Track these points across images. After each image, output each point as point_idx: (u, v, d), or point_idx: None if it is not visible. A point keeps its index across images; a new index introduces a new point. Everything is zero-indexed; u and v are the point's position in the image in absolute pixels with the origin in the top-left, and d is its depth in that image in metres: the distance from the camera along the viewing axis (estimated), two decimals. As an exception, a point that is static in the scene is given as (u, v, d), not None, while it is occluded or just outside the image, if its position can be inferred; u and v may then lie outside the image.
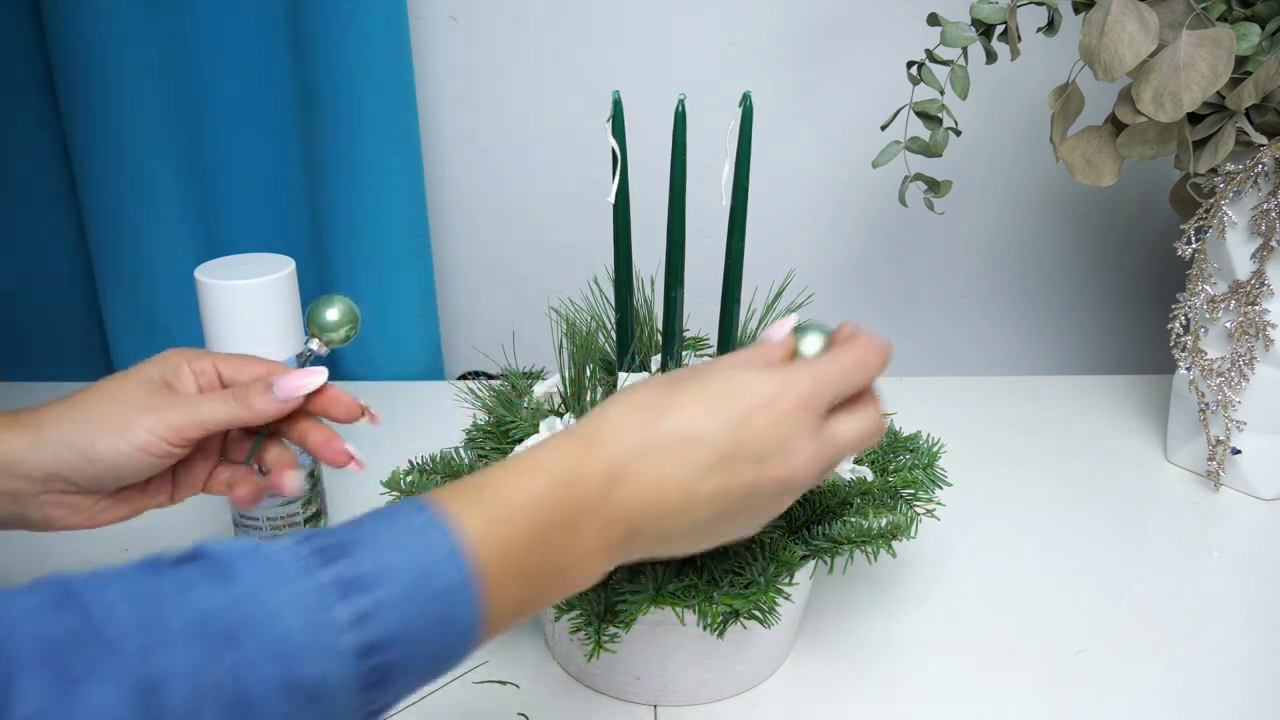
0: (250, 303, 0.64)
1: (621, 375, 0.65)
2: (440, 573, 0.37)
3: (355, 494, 0.82)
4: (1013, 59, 0.78)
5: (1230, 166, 0.75)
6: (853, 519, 0.59)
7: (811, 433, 0.45)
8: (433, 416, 0.96)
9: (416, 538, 0.38)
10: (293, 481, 0.56)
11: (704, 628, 0.55)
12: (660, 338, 0.65)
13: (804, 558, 0.58)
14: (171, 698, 0.31)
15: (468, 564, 0.38)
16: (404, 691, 0.38)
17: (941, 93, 0.81)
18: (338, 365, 1.09)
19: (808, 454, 0.45)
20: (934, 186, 0.84)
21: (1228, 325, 0.80)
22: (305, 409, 0.55)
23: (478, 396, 0.69)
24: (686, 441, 0.43)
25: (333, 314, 0.56)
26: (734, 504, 0.44)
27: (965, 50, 0.80)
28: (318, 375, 0.54)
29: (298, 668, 0.34)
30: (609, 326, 0.70)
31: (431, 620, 0.37)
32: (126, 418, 0.50)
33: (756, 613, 0.54)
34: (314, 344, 0.57)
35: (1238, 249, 0.78)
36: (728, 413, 0.44)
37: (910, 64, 0.82)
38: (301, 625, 0.34)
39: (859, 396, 0.48)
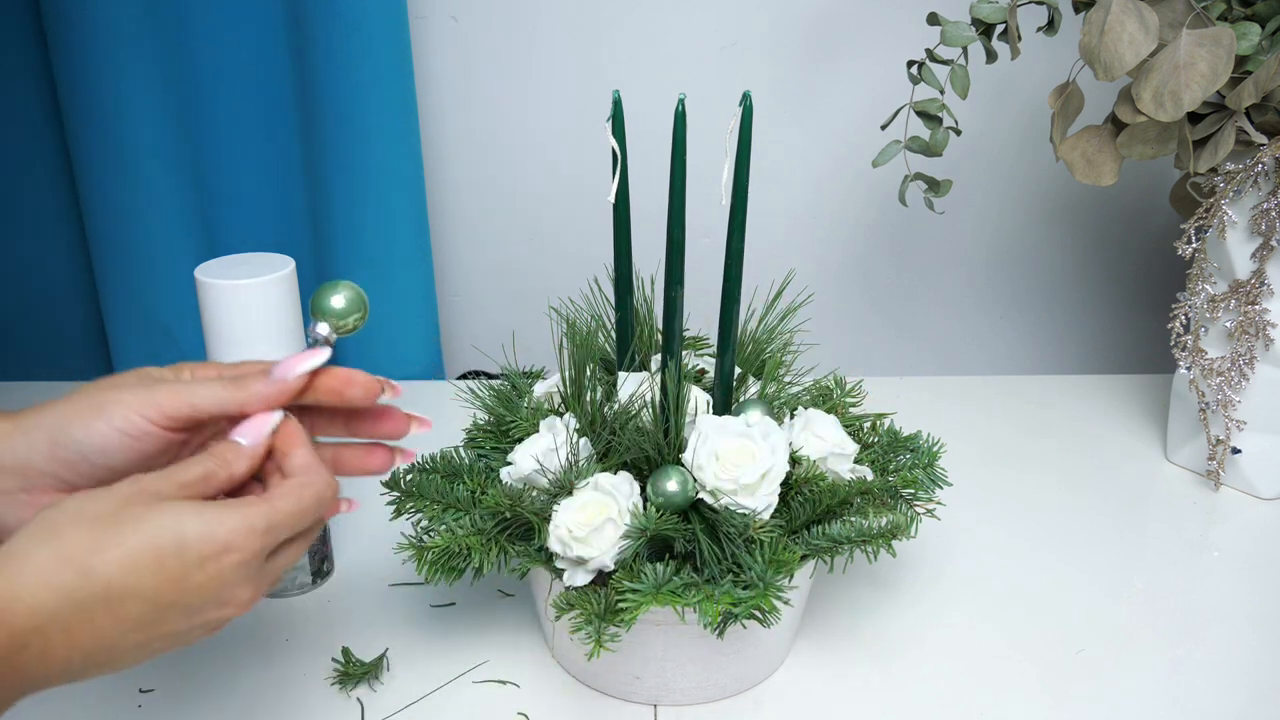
0: (250, 303, 0.64)
1: (621, 375, 0.65)
2: None
3: (355, 493, 0.82)
4: (1013, 59, 0.78)
5: (1230, 166, 0.75)
6: (853, 519, 0.59)
7: (253, 579, 0.44)
8: (433, 416, 0.96)
9: None
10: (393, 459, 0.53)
11: (704, 627, 0.55)
12: (660, 337, 0.65)
13: (804, 557, 0.58)
14: None
15: None
16: None
17: (941, 92, 0.81)
18: (337, 364, 1.09)
19: (245, 598, 0.44)
20: (934, 186, 0.84)
21: (1228, 325, 0.80)
22: (322, 400, 0.49)
23: (478, 396, 0.69)
24: (113, 601, 0.40)
25: (339, 300, 0.50)
26: (157, 648, 0.43)
27: (965, 50, 0.80)
28: (318, 355, 0.48)
29: None
30: (609, 326, 0.70)
31: None
32: (106, 398, 0.45)
33: (756, 612, 0.54)
34: (322, 328, 0.50)
35: (1238, 248, 0.78)
36: (167, 568, 0.41)
37: (910, 64, 0.82)
38: None
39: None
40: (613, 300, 0.66)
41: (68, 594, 0.39)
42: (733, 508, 0.57)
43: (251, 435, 0.46)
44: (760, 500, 0.57)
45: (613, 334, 0.68)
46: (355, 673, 0.64)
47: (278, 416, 0.47)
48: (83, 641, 0.40)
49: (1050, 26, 0.79)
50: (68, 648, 0.40)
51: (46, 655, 0.39)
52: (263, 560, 0.44)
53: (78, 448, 0.45)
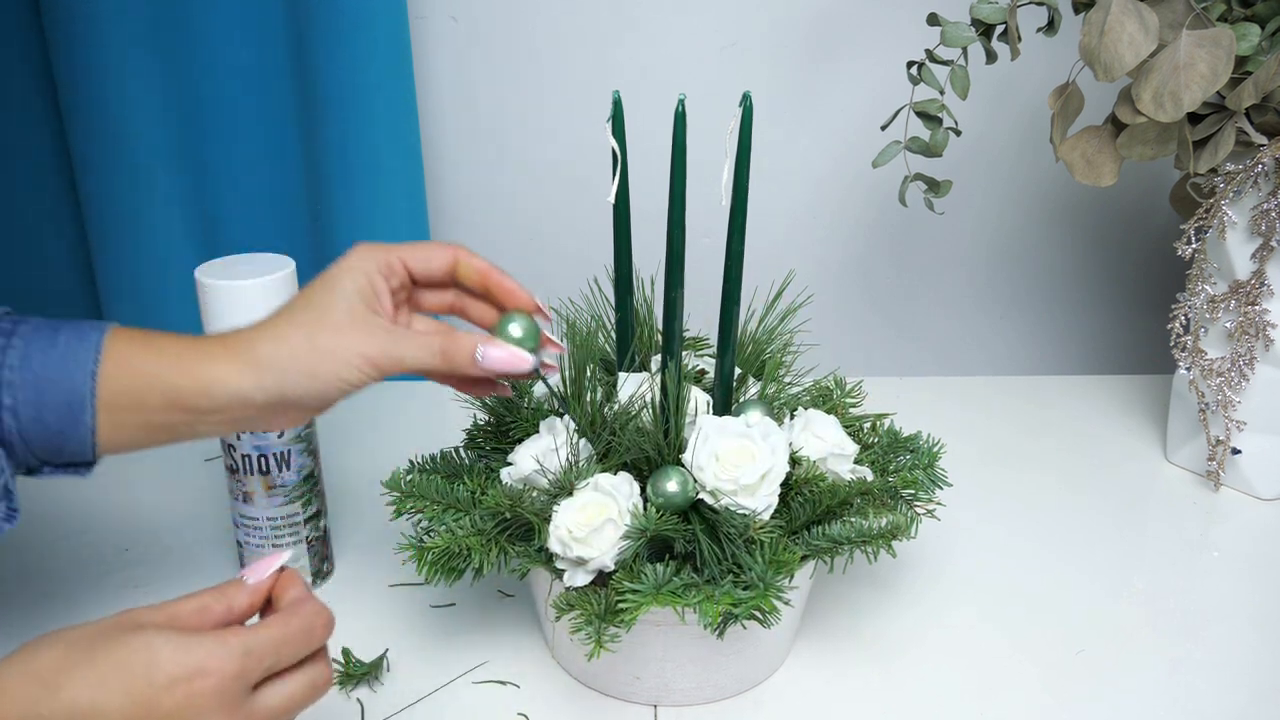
0: (250, 303, 0.64)
1: (621, 375, 0.65)
2: None
3: (355, 493, 0.82)
4: (1013, 59, 0.78)
5: (1230, 166, 0.75)
6: (853, 519, 0.59)
7: (231, 709, 0.42)
8: (433, 416, 0.96)
9: None
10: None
11: (704, 627, 0.55)
12: (660, 338, 0.65)
13: (804, 558, 0.58)
14: None
15: None
16: None
17: (941, 93, 0.81)
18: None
19: None
20: (934, 186, 0.84)
21: (1228, 325, 0.80)
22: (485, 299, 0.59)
23: (478, 397, 0.69)
24: None
25: (516, 329, 0.58)
26: None
27: (965, 50, 0.80)
28: (527, 362, 0.56)
29: None
30: (609, 326, 0.70)
31: None
32: (334, 352, 0.51)
33: (756, 613, 0.54)
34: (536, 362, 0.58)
35: (1238, 249, 0.78)
36: (135, 690, 0.40)
37: (910, 64, 0.82)
38: None
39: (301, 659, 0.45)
40: (613, 301, 0.66)
41: (30, 708, 0.39)
42: (733, 508, 0.57)
43: (256, 574, 0.48)
44: (760, 501, 0.58)
45: (613, 334, 0.68)
46: (355, 673, 0.64)
47: (286, 556, 0.49)
48: None
49: (1050, 27, 0.79)
50: None
51: None
52: (244, 690, 0.42)
53: (319, 396, 0.52)
